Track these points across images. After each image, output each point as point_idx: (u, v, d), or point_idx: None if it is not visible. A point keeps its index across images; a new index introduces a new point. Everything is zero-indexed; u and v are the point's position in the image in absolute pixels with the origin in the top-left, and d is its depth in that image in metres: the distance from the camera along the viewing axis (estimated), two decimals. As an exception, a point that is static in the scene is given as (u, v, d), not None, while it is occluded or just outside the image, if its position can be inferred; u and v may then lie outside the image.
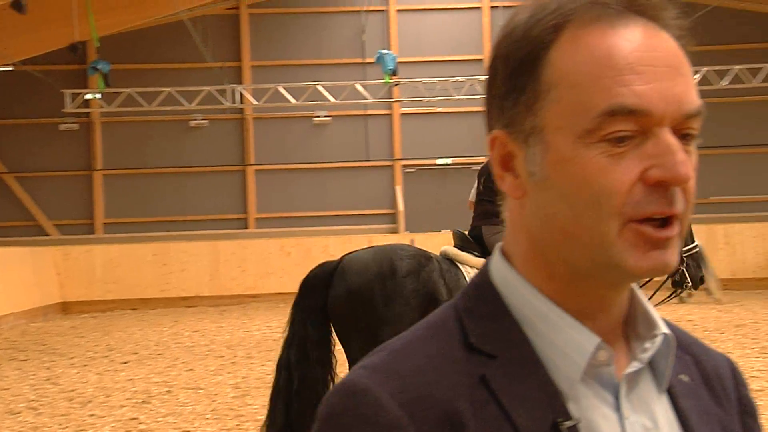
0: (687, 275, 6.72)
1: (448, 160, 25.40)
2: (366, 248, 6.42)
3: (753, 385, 9.67)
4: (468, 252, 6.47)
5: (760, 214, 23.60)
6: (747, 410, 1.21)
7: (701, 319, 15.61)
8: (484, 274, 1.15)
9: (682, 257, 6.62)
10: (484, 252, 6.50)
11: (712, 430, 1.14)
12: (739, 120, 24.74)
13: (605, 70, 1.04)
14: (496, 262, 1.15)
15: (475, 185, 6.88)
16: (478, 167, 7.23)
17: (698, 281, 6.80)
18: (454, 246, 6.56)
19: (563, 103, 1.05)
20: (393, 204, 25.64)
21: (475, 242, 6.59)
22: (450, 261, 6.44)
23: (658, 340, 1.11)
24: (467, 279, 6.24)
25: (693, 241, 6.80)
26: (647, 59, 1.04)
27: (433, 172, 25.65)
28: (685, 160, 1.03)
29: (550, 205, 1.07)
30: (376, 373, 1.07)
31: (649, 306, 1.15)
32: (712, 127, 24.54)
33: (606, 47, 1.04)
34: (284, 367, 5.86)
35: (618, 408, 1.09)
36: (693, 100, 1.06)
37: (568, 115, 1.05)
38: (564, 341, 1.08)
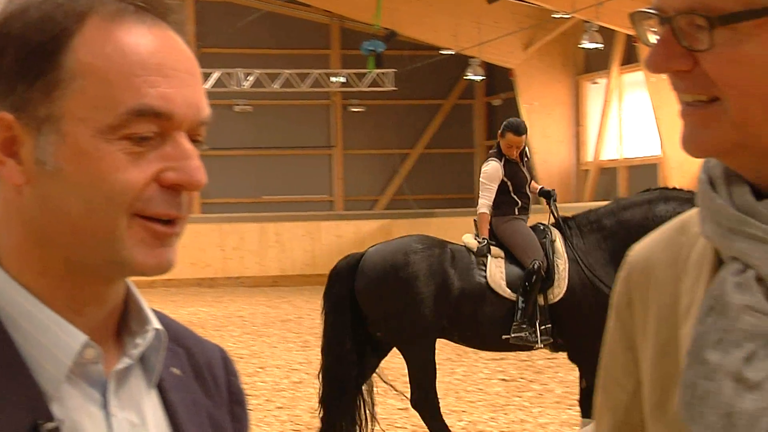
0: None
1: None
2: (387, 241, 7.10)
3: (293, 377, 10.13)
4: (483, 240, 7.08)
5: (308, 213, 24.73)
6: (236, 399, 1.24)
7: (250, 315, 16.08)
8: None
9: None
10: (497, 240, 7.10)
11: (200, 420, 1.16)
12: (289, 123, 25.75)
13: (134, 69, 1.03)
14: None
15: (482, 191, 7.31)
16: None
17: None
18: (474, 236, 7.14)
19: (87, 95, 1.02)
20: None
21: (492, 231, 7.17)
22: (467, 249, 7.00)
23: (150, 335, 1.12)
24: (476, 264, 6.91)
25: None
26: (172, 63, 1.05)
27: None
28: (200, 166, 1.05)
29: (60, 197, 1.03)
30: None
31: (143, 301, 1.15)
32: (265, 128, 25.37)
33: (134, 45, 1.04)
34: (323, 353, 6.65)
35: (105, 406, 1.08)
36: (206, 107, 1.08)
37: (91, 108, 1.02)
38: (49, 340, 1.05)
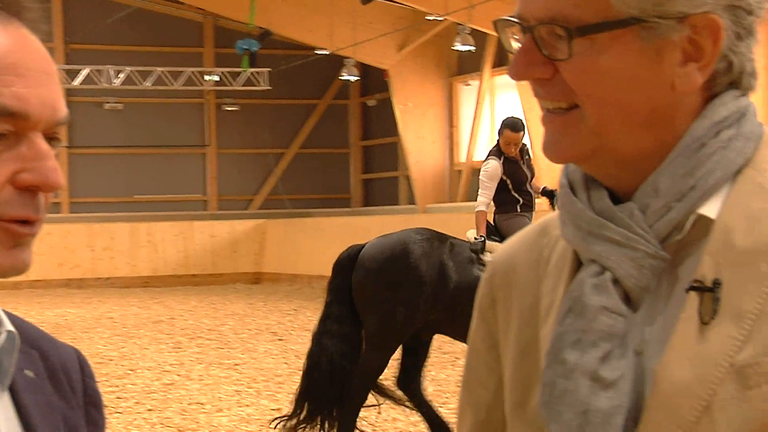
0: None
1: None
2: (390, 233, 6.98)
3: (164, 379, 9.99)
4: (488, 238, 7.21)
5: (181, 213, 24.44)
6: (92, 401, 1.23)
7: (121, 316, 15.80)
8: None
9: None
10: (502, 237, 7.15)
11: (54, 423, 1.15)
12: (162, 121, 25.39)
13: None
14: None
15: (481, 189, 7.43)
16: None
17: None
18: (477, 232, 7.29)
19: None
20: None
21: (496, 229, 7.33)
22: (469, 243, 7.07)
23: (2, 337, 1.09)
24: (476, 259, 6.98)
25: None
26: (27, 62, 1.03)
27: None
28: (57, 168, 1.04)
29: None
30: None
31: None
32: (137, 126, 24.95)
33: None
34: (314, 339, 6.66)
35: None
36: (64, 107, 1.07)
37: None
38: None
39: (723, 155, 1.07)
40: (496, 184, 7.46)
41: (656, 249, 1.07)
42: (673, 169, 1.07)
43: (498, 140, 7.62)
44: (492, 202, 7.60)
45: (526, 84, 1.12)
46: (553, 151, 1.11)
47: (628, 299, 1.08)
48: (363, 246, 6.99)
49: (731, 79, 1.10)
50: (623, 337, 1.06)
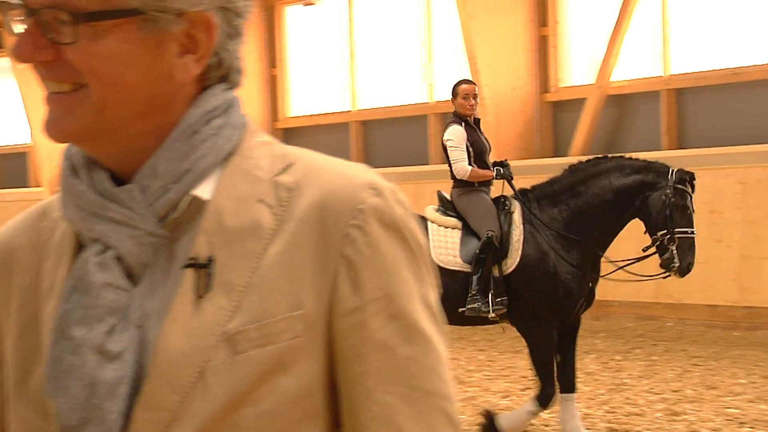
0: (676, 257, 6.55)
1: None
2: None
3: None
4: (443, 211, 6.98)
5: None
6: None
7: None
8: None
9: (674, 237, 6.47)
10: (458, 213, 6.97)
11: None
12: None
13: None
14: None
15: (454, 154, 7.06)
16: None
17: (685, 268, 6.57)
18: (435, 208, 7.05)
19: None
20: None
21: (451, 203, 7.04)
22: (422, 218, 6.78)
23: None
24: (430, 233, 6.80)
25: (691, 226, 6.52)
26: None
27: None
28: None
29: None
30: None
31: None
32: None
33: None
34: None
35: None
36: None
37: None
38: None
39: (214, 142, 1.17)
40: (465, 147, 7.02)
41: (155, 227, 1.15)
42: (170, 153, 1.16)
43: (454, 106, 7.13)
44: (451, 174, 7.13)
45: (23, 70, 1.14)
46: (54, 129, 1.15)
47: (131, 275, 1.15)
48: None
49: (222, 73, 1.20)
50: (126, 311, 1.13)
